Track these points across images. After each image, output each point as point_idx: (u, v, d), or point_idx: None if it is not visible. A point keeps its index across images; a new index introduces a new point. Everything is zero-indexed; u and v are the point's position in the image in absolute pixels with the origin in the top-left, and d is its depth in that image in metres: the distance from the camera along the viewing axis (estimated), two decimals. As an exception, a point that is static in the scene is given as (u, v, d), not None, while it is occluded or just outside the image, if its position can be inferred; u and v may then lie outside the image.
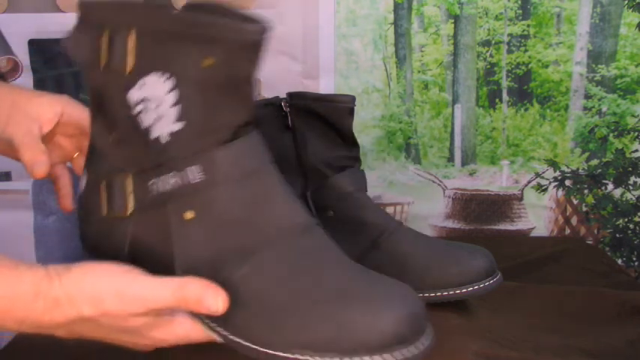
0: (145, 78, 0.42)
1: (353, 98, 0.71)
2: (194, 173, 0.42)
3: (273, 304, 0.41)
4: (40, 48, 1.13)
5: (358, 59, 1.08)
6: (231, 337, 0.42)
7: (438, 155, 1.11)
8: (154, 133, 0.43)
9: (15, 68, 1.09)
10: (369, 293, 0.41)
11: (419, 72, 1.09)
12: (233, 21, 0.42)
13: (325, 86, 1.07)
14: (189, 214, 0.43)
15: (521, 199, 1.12)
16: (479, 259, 0.65)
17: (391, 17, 1.06)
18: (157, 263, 0.43)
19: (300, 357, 0.39)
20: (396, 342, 0.39)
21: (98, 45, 0.43)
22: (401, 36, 1.07)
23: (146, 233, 0.44)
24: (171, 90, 0.42)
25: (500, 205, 1.13)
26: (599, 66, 1.05)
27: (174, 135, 0.42)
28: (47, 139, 0.57)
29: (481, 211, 1.13)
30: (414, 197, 1.14)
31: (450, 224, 1.14)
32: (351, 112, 0.71)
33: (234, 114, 0.43)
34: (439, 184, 1.13)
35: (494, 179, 1.12)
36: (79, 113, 0.57)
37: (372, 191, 0.80)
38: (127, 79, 0.42)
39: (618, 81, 1.06)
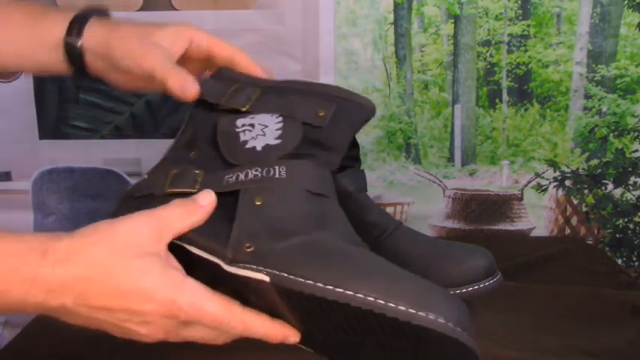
0: (256, 115, 0.52)
1: (353, 98, 0.71)
2: (279, 171, 0.48)
3: (348, 254, 0.44)
4: (40, 48, 1.12)
5: (358, 59, 1.08)
6: (282, 274, 0.42)
7: (438, 155, 1.11)
8: (250, 145, 0.50)
9: (15, 68, 1.09)
10: (428, 287, 0.43)
11: (419, 72, 1.09)
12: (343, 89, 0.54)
13: (325, 86, 1.07)
14: (258, 201, 0.47)
15: (521, 199, 1.12)
16: (479, 259, 0.64)
17: (391, 17, 1.06)
18: (218, 226, 0.46)
19: (374, 299, 0.40)
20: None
21: (227, 90, 0.54)
22: (401, 36, 1.07)
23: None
24: (279, 121, 0.51)
25: (500, 205, 1.13)
26: (599, 66, 1.06)
27: (269, 146, 0.49)
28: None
29: (481, 211, 1.13)
30: (414, 197, 1.14)
31: (450, 224, 1.14)
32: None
33: (324, 152, 0.51)
34: (439, 184, 1.13)
35: (494, 179, 1.12)
36: (206, 40, 0.58)
37: (372, 191, 0.80)
38: (240, 114, 0.52)
39: (618, 81, 1.06)
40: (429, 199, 1.13)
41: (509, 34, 1.06)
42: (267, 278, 0.42)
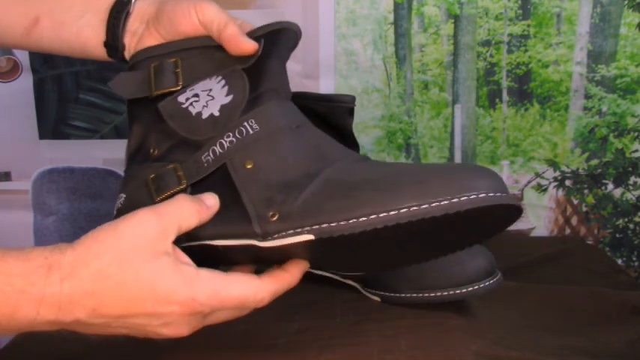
0: (193, 85, 0.50)
1: (353, 98, 0.71)
2: (250, 126, 0.47)
3: (362, 182, 0.43)
4: (40, 48, 1.12)
5: (358, 59, 1.08)
6: (323, 226, 0.42)
7: (438, 155, 1.11)
8: (206, 114, 0.48)
9: (15, 68, 1.09)
10: (451, 168, 0.43)
11: (419, 72, 1.09)
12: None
13: (325, 86, 1.07)
14: (249, 164, 0.46)
15: (521, 199, 1.12)
16: (479, 259, 0.65)
17: (391, 17, 1.06)
18: (225, 209, 0.46)
19: (416, 206, 0.40)
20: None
21: (148, 75, 0.51)
22: (401, 36, 1.07)
23: (206, 191, 0.47)
24: (220, 80, 0.49)
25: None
26: (599, 66, 1.05)
27: (225, 107, 0.48)
28: None
29: (481, 211, 1.13)
30: (414, 197, 1.13)
31: (450, 224, 1.14)
32: (351, 112, 0.71)
33: (273, 82, 0.50)
34: (439, 184, 1.13)
35: (494, 179, 1.12)
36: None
37: (372, 191, 0.79)
38: (178, 92, 0.50)
39: (618, 81, 1.06)
40: (429, 199, 1.13)
41: (509, 34, 1.06)
42: (311, 236, 0.42)
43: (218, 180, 0.47)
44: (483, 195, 0.40)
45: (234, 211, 0.45)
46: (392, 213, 0.40)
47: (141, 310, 0.41)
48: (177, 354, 0.53)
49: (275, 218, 0.43)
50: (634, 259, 1.11)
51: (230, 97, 0.48)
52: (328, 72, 1.07)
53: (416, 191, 0.40)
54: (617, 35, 1.04)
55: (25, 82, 1.10)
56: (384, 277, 0.66)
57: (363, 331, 0.59)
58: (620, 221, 1.10)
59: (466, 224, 0.43)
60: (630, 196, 1.09)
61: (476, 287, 0.63)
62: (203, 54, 0.51)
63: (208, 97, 0.48)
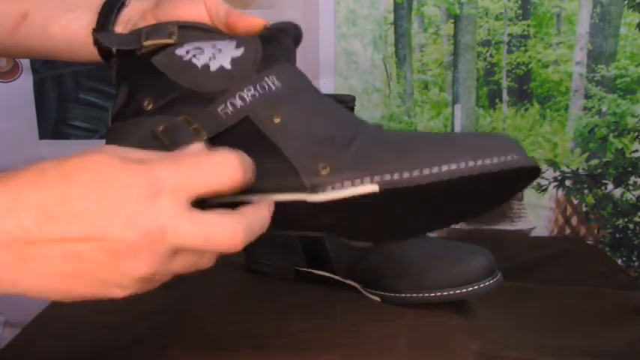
0: (192, 41, 0.47)
1: (353, 98, 0.71)
2: (271, 81, 0.45)
3: (402, 143, 0.42)
4: (40, 48, 1.12)
5: (358, 59, 1.08)
6: (387, 176, 0.40)
7: (438, 155, 1.11)
8: (215, 65, 0.45)
9: (15, 68, 1.09)
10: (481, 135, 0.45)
11: (419, 72, 1.09)
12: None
13: (325, 86, 1.07)
14: (276, 118, 0.44)
15: (521, 199, 1.12)
16: (479, 259, 0.65)
17: (391, 17, 1.06)
18: (260, 162, 0.41)
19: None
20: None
21: (139, 34, 0.48)
22: (401, 36, 1.07)
23: (232, 145, 0.43)
24: (225, 38, 0.47)
25: (500, 205, 1.12)
26: (599, 66, 1.05)
27: (237, 59, 0.45)
28: None
29: (481, 211, 1.13)
30: (414, 197, 1.13)
31: (450, 224, 1.14)
32: (351, 112, 0.71)
33: (284, 49, 0.48)
34: (439, 184, 1.13)
35: (494, 179, 1.12)
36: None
37: (372, 191, 0.79)
38: (172, 47, 0.47)
39: (618, 81, 1.06)
40: (429, 199, 1.13)
41: (509, 34, 1.06)
42: (375, 187, 0.39)
43: (244, 132, 0.44)
44: (523, 157, 0.41)
45: (272, 163, 0.42)
46: (453, 167, 0.39)
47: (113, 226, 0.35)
48: (177, 354, 0.53)
49: (326, 171, 0.41)
50: (634, 259, 1.11)
51: (241, 50, 0.46)
52: (328, 72, 1.07)
53: (468, 149, 0.40)
54: (617, 35, 1.04)
55: (25, 82, 1.10)
56: (384, 277, 0.66)
57: (363, 331, 0.59)
58: (620, 221, 1.10)
59: (501, 184, 0.43)
60: (630, 196, 1.09)
61: (476, 287, 0.63)
62: (201, 32, 0.49)
63: (214, 50, 0.46)
